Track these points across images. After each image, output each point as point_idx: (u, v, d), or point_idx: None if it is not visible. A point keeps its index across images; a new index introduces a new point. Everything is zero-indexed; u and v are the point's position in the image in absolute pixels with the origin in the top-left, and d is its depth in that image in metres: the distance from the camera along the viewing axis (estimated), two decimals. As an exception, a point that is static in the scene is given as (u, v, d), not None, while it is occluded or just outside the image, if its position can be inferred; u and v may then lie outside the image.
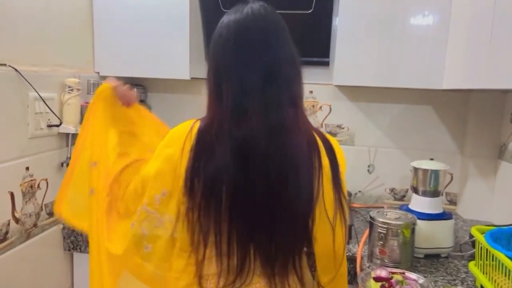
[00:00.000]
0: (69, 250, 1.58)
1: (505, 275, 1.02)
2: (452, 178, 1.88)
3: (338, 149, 0.97)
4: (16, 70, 1.28)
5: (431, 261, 1.35)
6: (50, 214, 1.49)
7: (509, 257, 0.99)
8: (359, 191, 1.95)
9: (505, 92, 1.69)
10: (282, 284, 0.93)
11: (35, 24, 1.40)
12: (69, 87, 1.50)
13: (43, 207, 1.46)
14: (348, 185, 1.89)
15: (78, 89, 1.52)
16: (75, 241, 1.56)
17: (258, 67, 0.87)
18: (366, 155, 1.93)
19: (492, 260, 1.08)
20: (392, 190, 1.93)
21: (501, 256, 1.02)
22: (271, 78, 0.88)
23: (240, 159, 0.85)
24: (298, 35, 1.84)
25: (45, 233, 1.47)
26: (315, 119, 1.95)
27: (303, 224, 0.92)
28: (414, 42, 1.53)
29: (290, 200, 0.88)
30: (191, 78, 1.72)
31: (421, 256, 1.37)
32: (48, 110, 1.42)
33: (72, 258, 1.62)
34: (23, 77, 1.30)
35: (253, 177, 0.86)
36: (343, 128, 1.93)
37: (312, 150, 0.90)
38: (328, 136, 0.98)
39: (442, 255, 1.39)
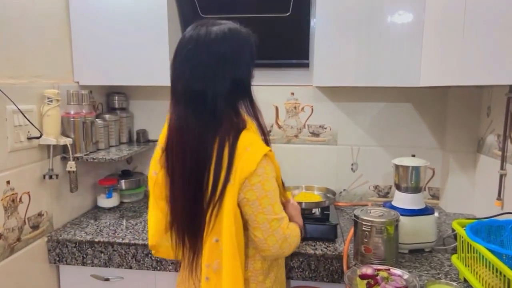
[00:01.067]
0: (54, 262, 1.56)
1: (486, 267, 1.04)
2: (434, 173, 1.92)
3: (247, 157, 1.01)
4: (-8, 83, 1.26)
5: (415, 256, 1.38)
6: (34, 227, 1.48)
7: (489, 249, 1.02)
8: (344, 190, 1.97)
9: (480, 87, 1.73)
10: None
11: (11, 35, 1.38)
12: (48, 98, 1.48)
13: (26, 221, 1.44)
14: (332, 184, 1.94)
15: (58, 100, 1.51)
16: (61, 254, 1.54)
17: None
18: (349, 154, 1.95)
19: (473, 253, 1.11)
20: (376, 187, 1.95)
21: (481, 248, 1.04)
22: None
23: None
24: (277, 38, 1.89)
25: (29, 246, 1.46)
26: (298, 121, 1.96)
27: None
28: (390, 42, 1.55)
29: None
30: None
31: (406, 251, 1.39)
32: (28, 123, 1.40)
33: (58, 271, 1.61)
34: (0, 90, 1.29)
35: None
36: (325, 129, 1.95)
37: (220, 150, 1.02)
38: (247, 144, 1.03)
39: (426, 250, 1.41)
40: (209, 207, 1.03)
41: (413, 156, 1.90)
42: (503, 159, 1.50)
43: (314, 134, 1.96)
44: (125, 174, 1.99)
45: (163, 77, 1.69)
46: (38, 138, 1.44)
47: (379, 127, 1.92)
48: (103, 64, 1.73)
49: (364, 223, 1.31)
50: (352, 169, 1.95)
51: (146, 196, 2.07)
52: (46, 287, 1.56)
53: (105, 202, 1.86)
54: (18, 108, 1.35)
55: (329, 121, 1.95)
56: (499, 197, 1.52)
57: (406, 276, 1.19)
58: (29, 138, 1.42)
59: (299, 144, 1.98)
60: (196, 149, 1.02)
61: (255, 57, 1.09)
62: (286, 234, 1.07)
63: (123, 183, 1.94)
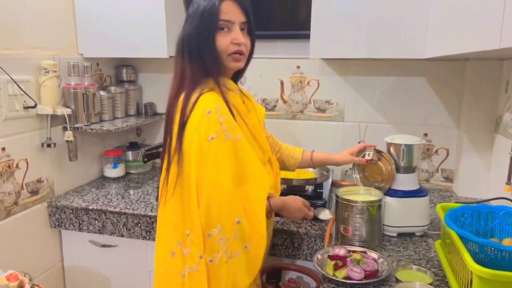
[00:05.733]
0: (55, 227, 1.64)
1: (456, 254, 0.95)
2: (448, 154, 1.77)
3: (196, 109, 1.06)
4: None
5: (403, 240, 1.29)
6: (33, 192, 1.56)
7: (460, 235, 0.92)
8: (350, 169, 1.88)
9: (501, 59, 1.55)
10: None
11: (6, 5, 1.42)
12: (45, 69, 1.53)
13: (24, 186, 1.51)
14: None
15: (55, 71, 1.55)
16: (60, 219, 1.62)
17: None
18: (356, 131, 1.85)
19: (448, 239, 1.02)
20: (384, 167, 1.85)
21: (452, 234, 0.95)
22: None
23: None
24: (282, 7, 1.80)
25: (28, 210, 1.54)
26: (303, 95, 1.89)
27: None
28: (394, 10, 1.42)
29: None
30: (170, 56, 1.71)
31: (394, 234, 1.31)
32: (23, 93, 1.46)
33: (61, 235, 1.69)
34: (-7, 60, 1.34)
35: None
36: (332, 104, 1.86)
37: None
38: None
39: (417, 234, 1.32)
40: None
41: (425, 135, 1.78)
42: (515, 139, 1.35)
43: (320, 110, 1.88)
44: (132, 146, 2.03)
45: (160, 49, 1.70)
46: (33, 107, 1.49)
47: (389, 103, 1.80)
48: (106, 37, 1.75)
49: (344, 202, 1.24)
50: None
51: (154, 168, 2.12)
52: (48, 250, 1.65)
53: (110, 172, 1.91)
54: (12, 78, 1.40)
55: (336, 96, 1.85)
56: (509, 181, 1.38)
57: (381, 260, 1.13)
58: (25, 108, 1.48)
59: (304, 120, 1.91)
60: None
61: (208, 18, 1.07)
62: None
63: (130, 154, 1.99)
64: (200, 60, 1.08)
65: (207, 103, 1.05)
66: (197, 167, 1.02)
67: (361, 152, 1.40)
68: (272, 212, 1.17)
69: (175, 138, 1.06)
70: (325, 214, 1.41)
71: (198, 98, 1.06)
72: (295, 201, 1.22)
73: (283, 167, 1.43)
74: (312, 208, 1.28)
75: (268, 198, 1.14)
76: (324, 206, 1.44)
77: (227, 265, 1.03)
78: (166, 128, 1.11)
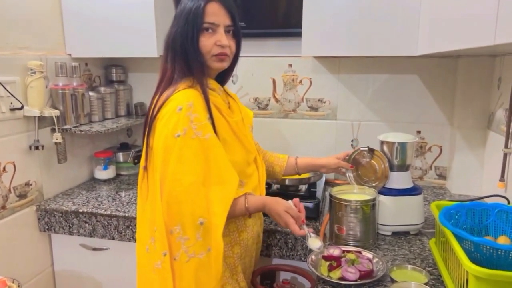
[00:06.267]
0: (44, 231, 1.61)
1: (451, 253, 0.94)
2: (441, 151, 1.77)
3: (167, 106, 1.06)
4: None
5: (397, 238, 1.28)
6: (21, 196, 1.52)
7: (455, 234, 0.91)
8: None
9: (493, 56, 1.55)
10: None
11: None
12: (32, 70, 1.50)
13: (12, 190, 1.48)
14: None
15: (42, 72, 1.52)
16: (49, 222, 1.58)
17: None
18: (349, 129, 1.84)
19: (443, 237, 1.01)
20: (377, 165, 1.84)
21: (447, 232, 0.94)
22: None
23: None
24: (273, 5, 1.78)
25: (16, 214, 1.50)
26: (296, 94, 1.87)
27: None
28: (386, 7, 1.41)
29: None
30: (160, 56, 1.67)
31: (388, 233, 1.30)
32: (9, 94, 1.42)
33: (50, 239, 1.66)
34: (-23, 61, 1.31)
35: None
36: (324, 102, 1.85)
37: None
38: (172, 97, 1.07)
39: (412, 232, 1.31)
40: None
41: (419, 132, 1.78)
42: (508, 135, 1.34)
43: (313, 108, 1.86)
44: (123, 147, 2.00)
45: (149, 48, 1.67)
46: (20, 109, 1.46)
47: (381, 100, 1.79)
48: (94, 37, 1.72)
49: (337, 201, 1.23)
50: (352, 145, 1.84)
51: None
52: (38, 254, 1.61)
53: (101, 174, 1.88)
54: (-3, 80, 1.37)
55: (329, 95, 1.84)
56: (502, 178, 1.38)
57: (376, 260, 1.11)
58: (12, 109, 1.44)
59: (297, 119, 1.89)
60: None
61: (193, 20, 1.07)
62: None
63: (120, 156, 1.96)
64: (184, 60, 1.08)
65: (179, 100, 1.04)
66: (162, 163, 1.03)
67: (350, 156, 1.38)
68: (249, 212, 1.12)
69: (145, 134, 1.09)
70: (314, 243, 1.11)
71: (171, 95, 1.06)
72: (276, 203, 1.11)
73: (269, 175, 1.41)
74: (305, 226, 1.11)
75: (246, 197, 1.11)
76: (317, 206, 1.42)
77: (188, 264, 1.02)
78: (144, 126, 1.12)
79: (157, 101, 1.09)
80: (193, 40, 1.06)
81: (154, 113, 1.07)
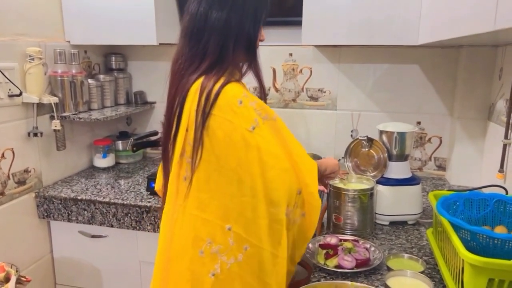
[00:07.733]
0: (43, 217, 1.61)
1: (448, 242, 0.94)
2: (441, 142, 1.76)
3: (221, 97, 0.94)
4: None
5: (395, 228, 1.28)
6: (20, 183, 1.52)
7: (452, 223, 0.91)
8: (342, 157, 1.86)
9: (495, 46, 1.54)
10: None
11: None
12: (30, 56, 1.49)
13: (11, 176, 1.48)
14: (331, 151, 1.85)
15: (40, 58, 1.51)
16: (48, 209, 1.59)
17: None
18: (349, 119, 1.83)
19: (440, 227, 1.00)
20: (377, 156, 1.83)
21: (444, 221, 0.94)
22: None
23: None
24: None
25: (15, 201, 1.51)
26: (296, 83, 1.86)
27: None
28: (387, -6, 1.40)
29: None
30: (159, 44, 1.67)
31: (386, 223, 1.30)
32: (7, 80, 1.42)
33: (49, 226, 1.66)
34: (-25, 47, 1.30)
35: None
36: (324, 92, 1.84)
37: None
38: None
39: (410, 222, 1.31)
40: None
41: (419, 123, 1.77)
42: (508, 126, 1.33)
43: (313, 98, 1.86)
44: (122, 135, 2.00)
45: (149, 36, 1.66)
46: (18, 95, 1.46)
47: (382, 91, 1.78)
48: (93, 24, 1.70)
49: (335, 190, 1.23)
50: (351, 136, 1.84)
51: (144, 157, 2.09)
52: (37, 241, 1.62)
53: (100, 162, 1.89)
54: (-5, 65, 1.37)
55: (329, 84, 1.83)
56: (501, 169, 1.37)
57: (372, 249, 1.12)
58: (10, 96, 1.44)
59: (297, 109, 1.88)
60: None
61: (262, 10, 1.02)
62: None
63: (120, 144, 1.96)
64: (245, 48, 1.01)
65: (234, 94, 0.94)
66: (246, 159, 0.93)
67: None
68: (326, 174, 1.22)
69: (193, 129, 0.93)
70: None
71: (221, 88, 0.94)
72: (328, 159, 1.28)
73: None
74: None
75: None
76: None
77: (293, 227, 0.99)
78: (173, 118, 0.98)
79: (208, 94, 0.93)
80: (259, 30, 1.03)
81: (209, 107, 0.93)
